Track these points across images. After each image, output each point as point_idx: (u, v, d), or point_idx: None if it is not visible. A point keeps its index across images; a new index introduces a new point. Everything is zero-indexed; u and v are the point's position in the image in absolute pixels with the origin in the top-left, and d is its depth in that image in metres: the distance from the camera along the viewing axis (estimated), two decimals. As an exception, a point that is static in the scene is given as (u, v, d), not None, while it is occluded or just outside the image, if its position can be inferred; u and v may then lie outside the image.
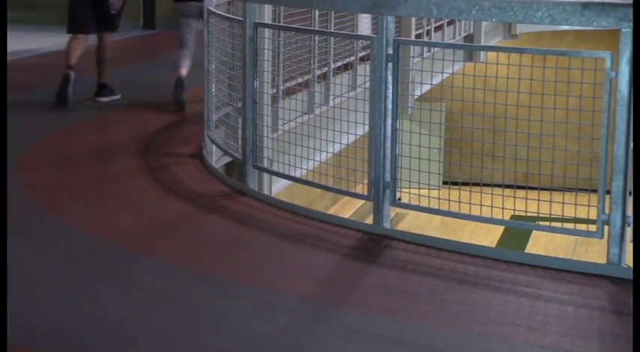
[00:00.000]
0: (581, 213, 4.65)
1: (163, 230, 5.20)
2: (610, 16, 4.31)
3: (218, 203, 5.64)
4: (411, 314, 4.00)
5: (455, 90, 5.30)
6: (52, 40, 12.64)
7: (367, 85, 5.14)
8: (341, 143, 5.79)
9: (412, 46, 7.88)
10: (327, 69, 8.33)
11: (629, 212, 4.41)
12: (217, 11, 6.81)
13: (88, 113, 8.34)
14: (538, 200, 4.84)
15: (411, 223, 12.94)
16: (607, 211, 4.45)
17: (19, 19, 14.14)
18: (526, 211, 4.84)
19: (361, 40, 7.85)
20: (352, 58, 8.78)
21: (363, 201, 6.95)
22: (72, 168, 6.45)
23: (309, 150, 5.86)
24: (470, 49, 13.73)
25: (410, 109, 8.59)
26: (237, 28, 6.23)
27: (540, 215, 4.83)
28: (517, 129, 4.98)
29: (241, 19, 5.94)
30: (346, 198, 11.32)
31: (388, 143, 5.01)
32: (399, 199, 5.18)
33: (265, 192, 6.47)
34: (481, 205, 4.84)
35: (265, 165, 6.02)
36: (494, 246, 12.48)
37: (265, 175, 6.52)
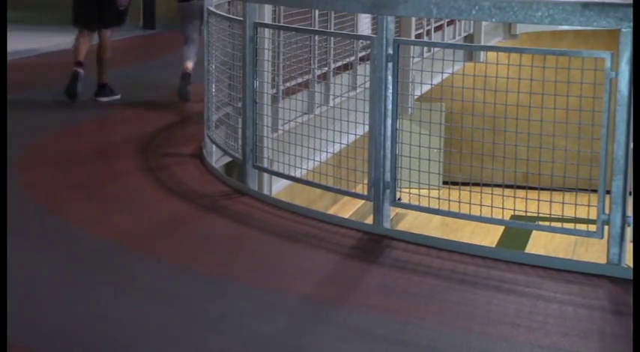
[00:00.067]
0: (581, 213, 4.65)
1: (163, 230, 5.20)
2: (610, 16, 4.31)
3: (218, 203, 5.64)
4: (411, 314, 4.00)
5: (455, 90, 5.30)
6: (51, 40, 12.66)
7: (367, 85, 5.14)
8: (341, 143, 5.79)
9: (412, 46, 7.88)
10: (327, 69, 8.33)
11: (629, 212, 4.41)
12: (217, 11, 6.81)
13: (88, 113, 8.34)
14: (538, 200, 4.84)
15: (411, 223, 12.94)
16: (607, 211, 4.45)
17: (19, 19, 14.14)
18: (526, 211, 4.84)
19: (361, 40, 7.85)
20: (352, 58, 8.77)
21: (363, 201, 6.95)
22: (72, 168, 6.45)
23: (309, 150, 5.86)
24: (470, 49, 13.73)
25: (410, 109, 8.59)
26: (237, 28, 6.23)
27: (540, 215, 4.83)
28: (517, 129, 4.98)
29: (241, 19, 5.94)
30: (346, 198, 11.31)
31: (388, 143, 5.01)
32: (399, 199, 5.18)
33: (265, 192, 6.47)
34: (481, 205, 4.84)
35: (265, 165, 6.02)
36: (494, 246, 12.48)
37: (265, 175, 6.52)
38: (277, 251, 4.88)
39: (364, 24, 9.64)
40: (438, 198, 5.06)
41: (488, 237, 13.57)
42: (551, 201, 4.73)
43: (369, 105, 5.10)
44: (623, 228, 4.41)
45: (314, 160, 5.98)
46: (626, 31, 4.29)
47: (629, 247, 4.39)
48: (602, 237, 4.50)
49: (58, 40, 12.69)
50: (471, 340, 3.73)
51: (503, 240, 14.00)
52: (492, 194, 4.86)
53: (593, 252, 11.65)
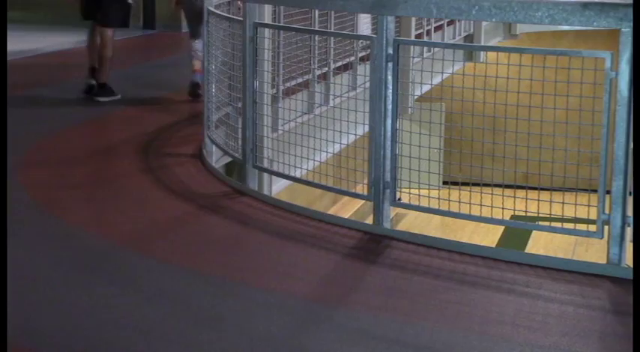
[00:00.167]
0: (581, 213, 4.65)
1: (163, 230, 5.20)
2: (610, 16, 4.31)
3: (218, 203, 5.64)
4: (411, 314, 4.00)
5: (455, 90, 5.30)
6: (52, 40, 12.66)
7: (367, 85, 5.14)
8: (341, 143, 5.79)
9: (412, 46, 7.88)
10: (327, 69, 8.33)
11: (629, 212, 4.41)
12: (217, 11, 6.82)
13: (87, 113, 8.34)
14: (538, 200, 4.84)
15: (411, 223, 12.93)
16: (607, 211, 4.45)
17: (19, 19, 14.14)
18: (526, 211, 4.84)
19: (361, 40, 7.85)
20: (352, 58, 8.78)
21: (363, 201, 6.94)
22: (72, 168, 6.45)
23: (309, 150, 5.85)
24: (470, 49, 13.72)
25: (410, 109, 8.59)
26: (237, 28, 6.23)
27: (540, 215, 4.83)
28: (517, 129, 4.97)
29: (241, 19, 5.94)
30: (346, 198, 11.32)
31: (388, 143, 5.01)
32: (399, 199, 5.18)
33: (265, 192, 6.47)
34: (481, 205, 4.84)
35: (265, 165, 6.02)
36: (494, 246, 12.47)
37: (265, 175, 6.52)
38: (277, 251, 4.88)
39: (364, 24, 9.64)
40: (438, 198, 5.06)
41: (488, 237, 13.56)
42: (551, 201, 4.73)
43: (369, 105, 5.10)
44: (623, 228, 4.41)
45: (314, 160, 5.98)
46: (626, 31, 4.29)
47: (629, 247, 4.39)
48: (602, 237, 4.50)
49: (59, 40, 12.71)
50: (470, 340, 3.73)
51: (503, 240, 13.99)
52: (492, 194, 4.86)
53: (593, 252, 11.63)
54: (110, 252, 4.78)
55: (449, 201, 5.01)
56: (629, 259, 4.38)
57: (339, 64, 8.55)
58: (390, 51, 4.95)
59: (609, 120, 4.38)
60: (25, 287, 4.17)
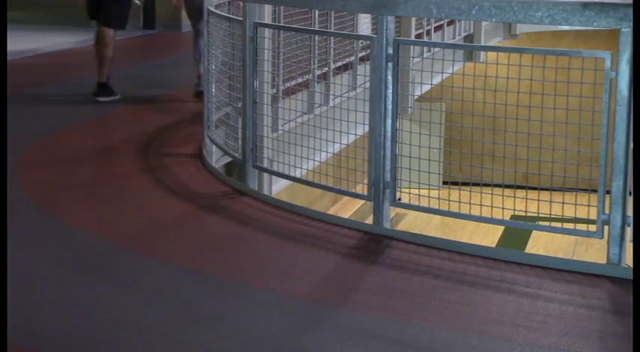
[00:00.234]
0: (581, 213, 4.65)
1: (163, 230, 5.20)
2: (610, 16, 4.31)
3: (218, 203, 5.64)
4: (411, 314, 4.00)
5: (455, 90, 5.29)
6: (52, 40, 12.66)
7: (367, 85, 5.14)
8: (341, 143, 5.79)
9: (412, 46, 7.87)
10: (327, 69, 8.33)
11: (629, 212, 4.41)
12: (217, 11, 6.81)
13: (87, 113, 8.34)
14: (538, 200, 4.84)
15: (411, 223, 12.93)
16: (607, 211, 4.45)
17: (19, 19, 14.14)
18: (526, 211, 4.84)
19: (361, 40, 7.85)
20: (352, 58, 8.78)
21: (363, 201, 6.94)
22: (72, 168, 6.45)
23: (309, 150, 5.85)
24: (470, 49, 13.71)
25: (410, 109, 8.59)
26: (237, 28, 6.23)
27: (540, 215, 4.83)
28: (517, 129, 4.97)
29: (241, 19, 5.94)
30: (346, 198, 11.32)
31: (388, 143, 5.01)
32: (399, 199, 5.18)
33: (265, 192, 6.47)
34: (481, 205, 4.84)
35: (265, 165, 6.02)
36: (494, 246, 12.47)
37: (265, 175, 6.52)
38: (277, 251, 4.88)
39: (364, 24, 9.63)
40: (438, 198, 5.06)
41: (488, 237, 13.56)
42: (551, 201, 4.73)
43: (369, 105, 5.10)
44: (623, 228, 4.41)
45: (314, 160, 5.98)
46: (626, 31, 4.29)
47: (629, 247, 4.39)
48: (602, 237, 4.50)
49: (59, 40, 12.71)
50: (471, 340, 3.73)
51: (503, 240, 13.99)
52: (492, 194, 4.86)
53: (593, 252, 11.63)
54: (110, 252, 4.78)
55: (449, 201, 5.01)
56: (629, 259, 4.38)
57: (339, 64, 8.55)
58: (390, 51, 4.95)
59: (609, 120, 4.38)
60: (25, 287, 4.17)
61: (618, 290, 4.25)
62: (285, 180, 6.44)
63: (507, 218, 4.96)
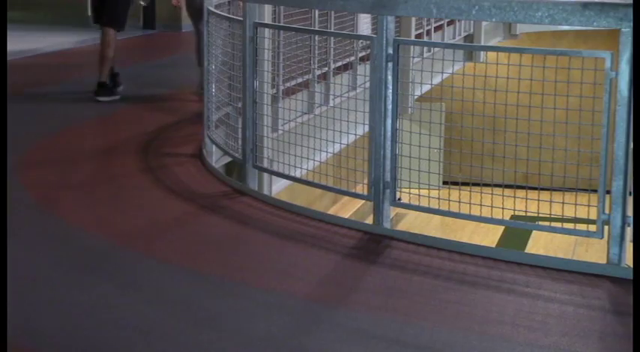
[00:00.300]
0: (581, 213, 4.65)
1: (163, 230, 5.20)
2: (610, 16, 4.31)
3: (218, 203, 5.64)
4: (411, 314, 4.00)
5: (455, 90, 5.30)
6: (52, 40, 12.66)
7: (367, 85, 5.14)
8: (341, 143, 5.79)
9: (412, 46, 7.87)
10: (327, 69, 8.33)
11: (629, 212, 4.41)
12: (217, 11, 6.81)
13: (87, 113, 8.34)
14: (538, 200, 4.84)
15: (411, 223, 12.94)
16: (607, 211, 4.45)
17: (19, 19, 14.14)
18: (526, 211, 4.84)
19: (361, 40, 7.85)
20: (352, 58, 8.78)
21: (363, 201, 6.94)
22: (72, 168, 6.45)
23: (309, 150, 5.85)
24: (470, 49, 13.71)
25: (410, 109, 8.59)
26: (237, 28, 6.23)
27: (540, 215, 4.83)
28: (517, 129, 4.98)
29: (241, 19, 5.94)
30: (346, 198, 11.32)
31: (388, 143, 5.01)
32: (399, 199, 5.18)
33: (265, 192, 6.47)
34: (481, 205, 4.84)
35: (265, 165, 6.02)
36: (494, 246, 12.47)
37: (265, 175, 6.52)
38: (277, 251, 4.88)
39: (364, 24, 9.63)
40: (438, 198, 5.06)
41: (488, 237, 13.56)
42: (551, 201, 4.73)
43: (369, 105, 5.10)
44: (623, 228, 4.41)
45: (314, 160, 5.98)
46: (626, 31, 4.29)
47: (629, 247, 4.39)
48: (602, 237, 4.50)
49: (58, 40, 12.71)
50: (471, 340, 3.73)
51: (503, 240, 13.99)
52: (492, 194, 4.86)
53: (593, 252, 11.63)
54: (110, 251, 4.78)
55: (449, 201, 5.01)
56: (629, 259, 4.38)
57: (339, 64, 8.55)
58: (390, 51, 4.95)
59: (609, 120, 4.38)
60: (25, 287, 4.17)
61: (618, 290, 4.25)
62: (285, 180, 6.44)
63: (507, 218, 4.96)
